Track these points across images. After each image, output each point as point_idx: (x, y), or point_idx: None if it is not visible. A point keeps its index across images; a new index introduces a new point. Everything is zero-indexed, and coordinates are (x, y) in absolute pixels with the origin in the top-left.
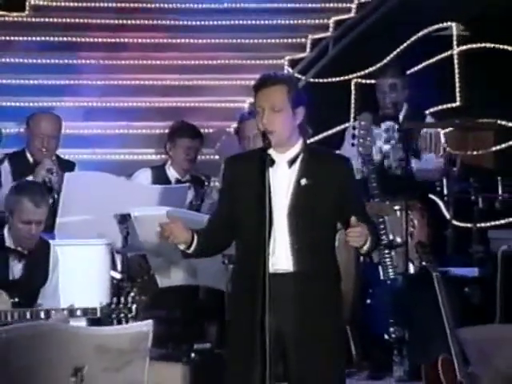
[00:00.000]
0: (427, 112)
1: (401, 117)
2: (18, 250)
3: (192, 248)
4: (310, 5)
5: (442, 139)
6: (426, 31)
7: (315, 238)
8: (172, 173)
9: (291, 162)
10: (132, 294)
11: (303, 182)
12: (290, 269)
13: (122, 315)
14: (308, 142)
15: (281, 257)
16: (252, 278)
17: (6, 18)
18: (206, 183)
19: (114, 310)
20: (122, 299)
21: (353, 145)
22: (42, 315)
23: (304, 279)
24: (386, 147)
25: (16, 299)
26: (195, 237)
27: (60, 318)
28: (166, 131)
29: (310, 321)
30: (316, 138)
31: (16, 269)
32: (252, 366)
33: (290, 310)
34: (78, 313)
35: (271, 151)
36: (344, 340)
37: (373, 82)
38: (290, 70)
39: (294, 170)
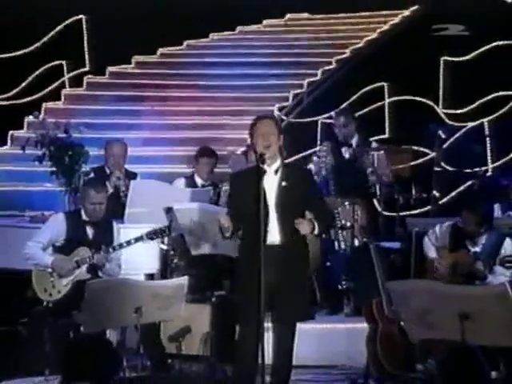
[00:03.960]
0: (372, 139)
1: (354, 143)
2: (91, 221)
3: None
4: (291, 71)
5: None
6: (365, 89)
7: (293, 221)
8: (198, 180)
9: (276, 171)
10: (175, 260)
11: (283, 184)
12: (278, 242)
13: (158, 233)
14: (288, 159)
15: (274, 234)
16: (253, 249)
17: (93, 80)
18: (221, 186)
19: (153, 232)
20: (158, 228)
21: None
22: (111, 250)
23: (286, 248)
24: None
25: (93, 250)
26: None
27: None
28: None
29: (288, 274)
30: (296, 156)
31: (90, 232)
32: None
33: (277, 267)
34: (133, 241)
35: (264, 164)
36: (311, 287)
37: (332, 121)
38: (279, 113)
39: (277, 177)
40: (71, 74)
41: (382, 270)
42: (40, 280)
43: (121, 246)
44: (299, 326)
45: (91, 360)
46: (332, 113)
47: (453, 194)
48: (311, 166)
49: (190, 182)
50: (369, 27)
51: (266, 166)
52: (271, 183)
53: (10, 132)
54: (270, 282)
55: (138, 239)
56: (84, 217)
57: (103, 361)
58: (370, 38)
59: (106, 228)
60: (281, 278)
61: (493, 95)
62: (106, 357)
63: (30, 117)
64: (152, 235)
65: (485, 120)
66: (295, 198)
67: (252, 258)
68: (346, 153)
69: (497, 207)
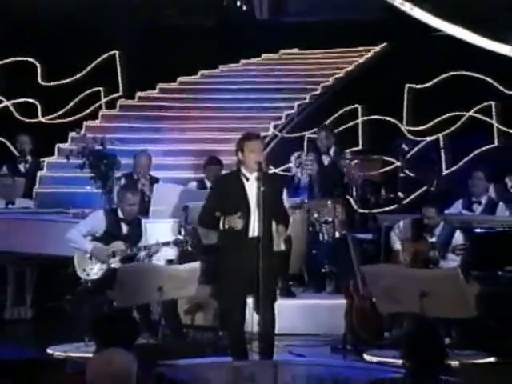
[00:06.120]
0: (347, 151)
1: (331, 153)
2: (126, 219)
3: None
4: (284, 96)
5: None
6: (340, 111)
7: (269, 218)
8: (208, 183)
9: (256, 178)
10: (190, 249)
11: (262, 188)
12: (257, 234)
13: (184, 243)
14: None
15: (254, 228)
16: (236, 241)
17: (125, 103)
18: None
19: (179, 241)
20: (184, 239)
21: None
22: (143, 249)
23: (263, 240)
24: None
25: (127, 244)
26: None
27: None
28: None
29: (265, 261)
30: (285, 165)
31: (124, 228)
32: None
33: (256, 255)
34: (161, 245)
35: (247, 172)
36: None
37: (316, 136)
38: (273, 129)
39: (258, 183)
40: (107, 98)
41: (357, 256)
42: (81, 261)
43: (150, 247)
44: (290, 302)
45: (117, 329)
46: (315, 129)
47: (414, 195)
48: (295, 171)
49: (201, 185)
50: (347, 60)
51: (248, 173)
52: (253, 188)
53: (57, 145)
54: (251, 267)
55: (165, 244)
56: (120, 215)
57: (127, 330)
58: (348, 69)
59: (136, 225)
60: (260, 264)
61: (447, 115)
62: (130, 327)
63: (74, 132)
64: (177, 243)
65: (440, 135)
66: (270, 200)
67: (235, 249)
68: (325, 161)
69: (459, 203)
